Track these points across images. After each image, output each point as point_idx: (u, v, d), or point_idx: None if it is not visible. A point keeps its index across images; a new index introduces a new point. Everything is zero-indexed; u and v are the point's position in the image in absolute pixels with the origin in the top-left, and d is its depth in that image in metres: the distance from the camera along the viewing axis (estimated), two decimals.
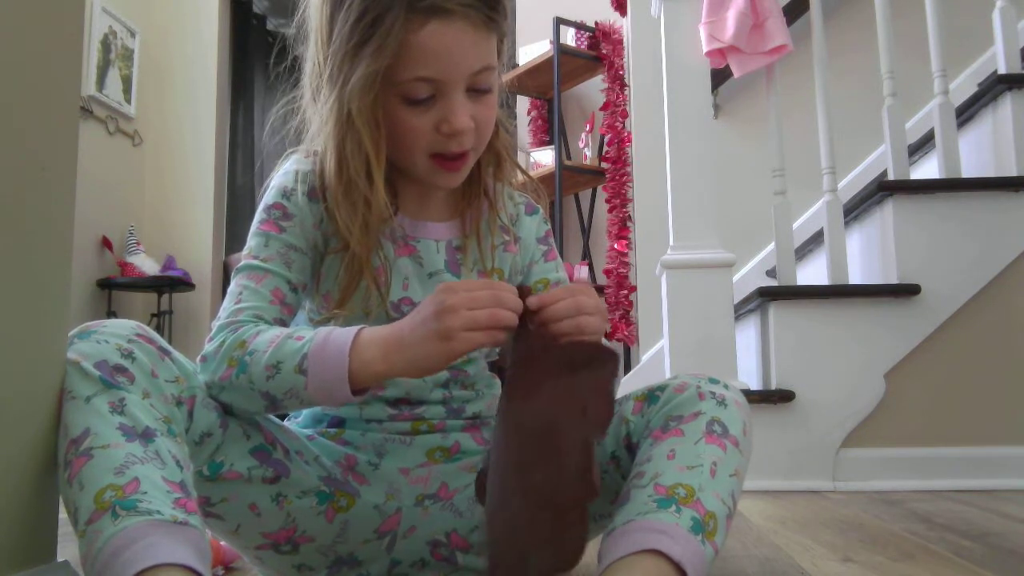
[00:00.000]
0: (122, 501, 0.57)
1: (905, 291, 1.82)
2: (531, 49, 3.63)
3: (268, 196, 0.83)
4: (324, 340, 0.70)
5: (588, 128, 3.45)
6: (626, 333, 3.06)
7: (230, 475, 0.74)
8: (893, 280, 1.86)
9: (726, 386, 0.75)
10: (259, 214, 0.83)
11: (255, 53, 4.42)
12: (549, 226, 0.94)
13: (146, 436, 0.63)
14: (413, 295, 0.82)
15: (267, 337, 0.72)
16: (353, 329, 0.71)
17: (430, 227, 0.85)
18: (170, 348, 0.72)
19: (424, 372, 0.70)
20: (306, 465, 0.79)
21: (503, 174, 0.88)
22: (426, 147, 0.77)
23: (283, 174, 0.84)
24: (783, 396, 1.81)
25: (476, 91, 0.77)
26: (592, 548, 0.65)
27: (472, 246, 0.86)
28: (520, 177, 0.91)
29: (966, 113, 2.06)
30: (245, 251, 0.82)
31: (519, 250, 0.90)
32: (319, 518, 0.78)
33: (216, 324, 0.76)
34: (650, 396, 0.76)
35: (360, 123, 0.75)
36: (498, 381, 0.91)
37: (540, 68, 3.41)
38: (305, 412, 0.87)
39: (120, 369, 0.66)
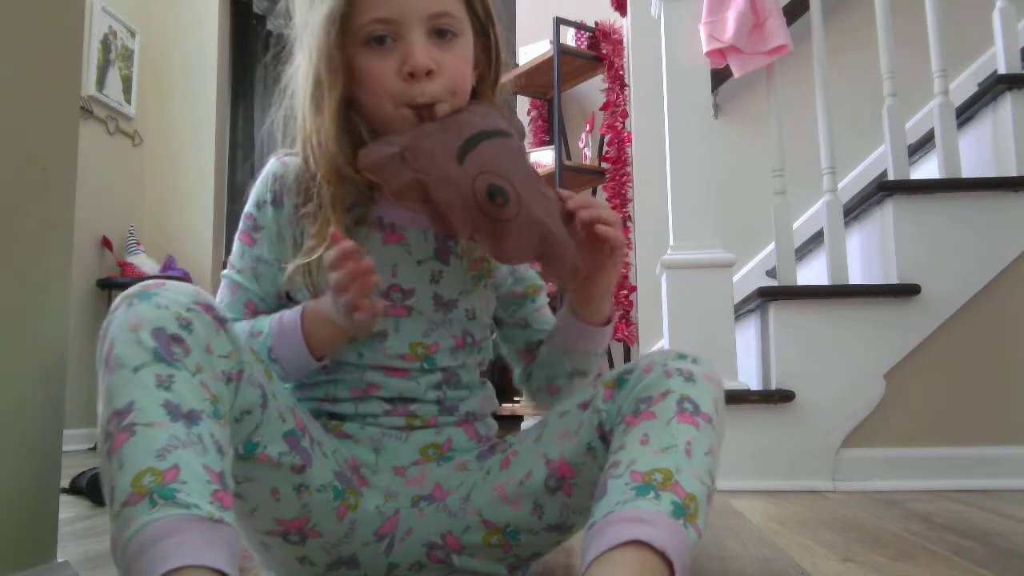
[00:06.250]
0: (160, 489, 0.56)
1: (905, 291, 1.82)
2: (531, 49, 3.64)
3: (248, 202, 0.87)
4: (279, 329, 0.80)
5: (588, 128, 3.45)
6: (626, 333, 3.07)
7: (262, 457, 0.73)
8: (893, 280, 1.86)
9: (695, 360, 0.73)
10: (241, 219, 0.87)
11: (255, 53, 4.42)
12: None
13: (190, 418, 0.61)
14: (402, 282, 0.83)
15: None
16: (297, 311, 0.80)
17: (419, 216, 0.85)
18: (226, 316, 0.70)
19: (362, 327, 0.79)
20: (324, 458, 0.79)
21: None
22: (393, 94, 0.77)
23: (260, 179, 0.87)
24: (783, 396, 1.81)
25: (439, 35, 0.78)
26: (576, 542, 0.65)
27: None
28: None
29: (966, 113, 2.06)
30: (231, 255, 0.88)
31: None
32: (332, 514, 0.78)
33: None
34: (619, 381, 0.75)
35: (318, 60, 0.78)
36: (488, 383, 0.92)
37: (540, 68, 3.42)
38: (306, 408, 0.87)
39: (177, 340, 0.64)
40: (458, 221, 0.74)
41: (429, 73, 0.77)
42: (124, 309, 0.65)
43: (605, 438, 0.74)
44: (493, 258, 0.78)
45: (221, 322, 0.69)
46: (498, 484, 0.80)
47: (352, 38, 0.77)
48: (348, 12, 0.76)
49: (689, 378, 0.71)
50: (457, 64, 0.79)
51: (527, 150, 0.81)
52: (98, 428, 0.62)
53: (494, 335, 0.95)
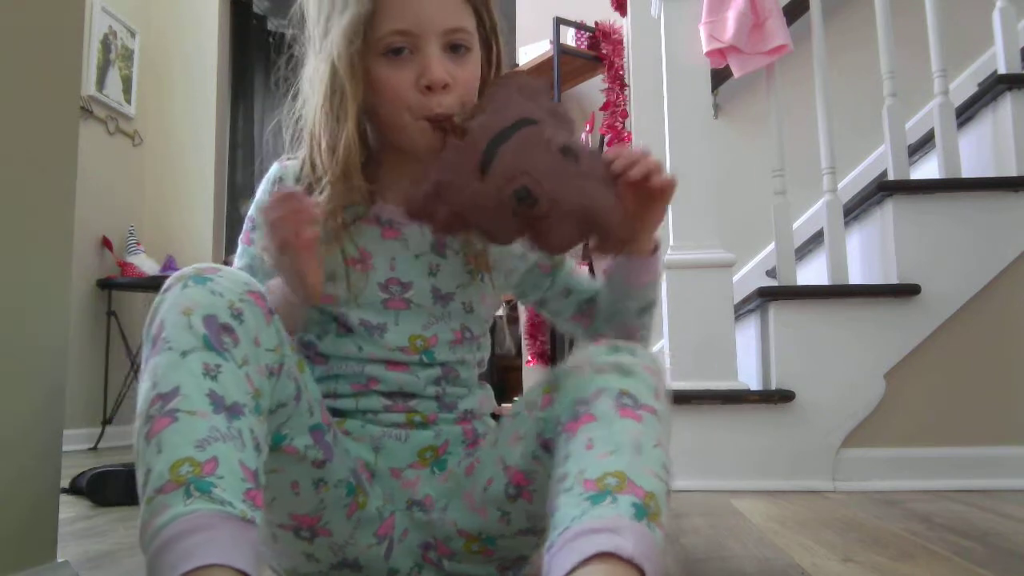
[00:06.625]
0: (198, 481, 0.56)
1: (905, 291, 1.82)
2: (531, 49, 3.64)
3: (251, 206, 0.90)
4: None
5: (588, 128, 3.45)
6: None
7: (289, 449, 0.73)
8: (893, 280, 1.86)
9: (631, 351, 0.71)
10: (244, 222, 0.89)
11: (255, 53, 4.42)
12: None
13: (233, 411, 0.61)
14: (400, 275, 0.85)
15: None
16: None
17: None
18: (273, 307, 0.70)
19: (302, 280, 0.75)
20: (343, 454, 0.79)
21: None
22: (409, 106, 0.79)
23: (263, 182, 0.89)
24: (783, 396, 1.81)
25: (454, 50, 0.80)
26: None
27: None
28: None
29: (966, 113, 2.06)
30: (235, 256, 0.89)
31: None
32: (343, 511, 0.79)
33: None
34: (555, 384, 0.73)
35: (341, 68, 0.79)
36: (487, 384, 0.92)
37: (540, 68, 3.42)
38: None
39: (227, 329, 0.64)
40: (499, 233, 0.75)
41: (444, 86, 0.79)
42: (178, 290, 0.65)
43: (547, 446, 0.72)
44: (547, 254, 0.80)
45: (270, 312, 0.69)
46: (467, 492, 0.80)
47: (370, 48, 0.79)
48: (369, 22, 0.78)
49: (624, 371, 0.68)
50: (469, 79, 0.82)
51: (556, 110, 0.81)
52: (138, 406, 0.62)
53: (545, 312, 0.97)
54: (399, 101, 0.79)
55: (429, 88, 0.78)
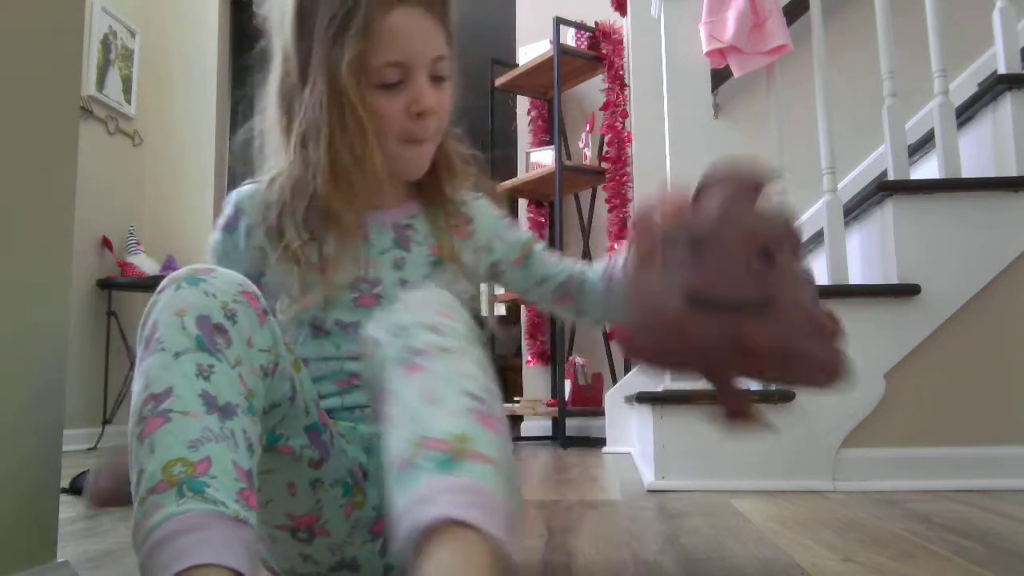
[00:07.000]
0: (191, 480, 0.56)
1: (905, 291, 1.82)
2: (531, 49, 3.64)
3: None
4: None
5: (588, 128, 3.45)
6: None
7: (284, 449, 0.73)
8: (893, 280, 1.86)
9: (398, 308, 0.69)
10: None
11: (255, 53, 4.42)
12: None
13: (225, 412, 0.61)
14: (367, 273, 0.87)
15: None
16: None
17: (379, 214, 0.91)
18: (268, 307, 0.70)
19: None
20: (341, 453, 0.79)
21: (455, 178, 0.94)
22: (398, 132, 0.85)
23: (224, 206, 0.92)
24: (783, 396, 1.81)
25: (436, 79, 0.85)
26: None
27: (420, 224, 0.92)
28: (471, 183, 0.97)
29: (966, 113, 2.06)
30: None
31: (476, 230, 0.95)
32: (340, 511, 0.79)
33: None
34: (360, 376, 0.72)
35: (355, 98, 0.82)
36: None
37: (540, 68, 3.42)
38: None
39: (220, 330, 0.64)
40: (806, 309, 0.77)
41: (432, 113, 0.84)
42: (171, 291, 0.66)
43: None
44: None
45: (264, 313, 0.69)
46: None
47: (363, 78, 0.82)
48: (365, 54, 0.81)
49: (398, 331, 0.66)
50: (448, 105, 0.88)
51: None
52: (131, 407, 0.62)
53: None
54: (388, 128, 0.84)
55: (420, 115, 0.83)
